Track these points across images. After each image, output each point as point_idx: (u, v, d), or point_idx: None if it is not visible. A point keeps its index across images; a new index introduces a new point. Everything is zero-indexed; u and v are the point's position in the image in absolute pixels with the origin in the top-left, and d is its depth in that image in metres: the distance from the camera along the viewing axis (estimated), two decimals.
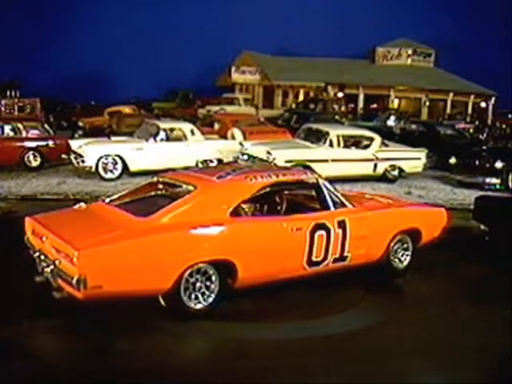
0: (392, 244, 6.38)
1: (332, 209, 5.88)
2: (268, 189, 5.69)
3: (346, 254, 5.91)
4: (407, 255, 6.58)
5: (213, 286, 5.13)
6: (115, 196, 5.93)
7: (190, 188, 5.48)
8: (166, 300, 5.04)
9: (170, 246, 4.93)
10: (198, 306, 5.07)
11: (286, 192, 6.29)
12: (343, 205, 6.02)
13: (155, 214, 5.08)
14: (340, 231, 5.80)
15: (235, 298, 5.32)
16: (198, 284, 5.06)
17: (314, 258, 5.68)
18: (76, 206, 5.77)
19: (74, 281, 4.43)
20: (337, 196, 6.04)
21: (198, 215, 5.15)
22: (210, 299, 5.13)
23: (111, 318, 5.04)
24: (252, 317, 5.29)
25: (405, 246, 6.55)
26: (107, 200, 5.80)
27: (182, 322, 5.06)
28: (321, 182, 6.00)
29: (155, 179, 6.11)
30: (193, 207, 5.24)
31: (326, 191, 5.95)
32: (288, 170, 6.61)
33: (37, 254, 5.19)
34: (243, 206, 5.75)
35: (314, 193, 6.10)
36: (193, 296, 5.05)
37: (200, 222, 5.08)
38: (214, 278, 5.13)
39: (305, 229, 5.56)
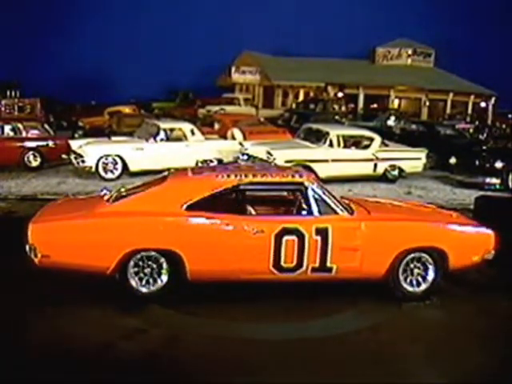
0: (402, 262, 5.74)
1: (315, 214, 5.57)
2: (240, 187, 5.60)
3: (328, 264, 5.51)
4: (427, 277, 5.85)
5: (163, 274, 5.43)
6: (130, 186, 6.41)
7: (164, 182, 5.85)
8: (119, 281, 5.43)
9: (111, 230, 5.37)
10: (146, 290, 5.41)
11: (265, 192, 6.16)
12: (334, 211, 5.62)
13: (120, 201, 5.58)
14: (319, 239, 5.44)
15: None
16: (147, 269, 5.39)
17: (283, 264, 5.45)
18: (102, 193, 6.22)
19: (27, 248, 5.19)
20: (326, 202, 5.63)
21: (153, 205, 5.48)
22: (159, 286, 5.43)
23: (69, 291, 5.58)
24: (204, 311, 5.32)
25: (423, 267, 5.84)
26: (122, 189, 6.11)
27: (135, 305, 5.35)
28: (308, 185, 5.66)
29: (165, 173, 6.27)
30: (150, 198, 5.62)
31: (311, 195, 5.62)
32: (279, 170, 6.29)
33: None
34: (214, 202, 5.54)
35: (298, 195, 5.89)
36: (144, 280, 5.40)
37: (151, 212, 5.40)
38: (164, 266, 5.41)
39: (268, 232, 5.37)
